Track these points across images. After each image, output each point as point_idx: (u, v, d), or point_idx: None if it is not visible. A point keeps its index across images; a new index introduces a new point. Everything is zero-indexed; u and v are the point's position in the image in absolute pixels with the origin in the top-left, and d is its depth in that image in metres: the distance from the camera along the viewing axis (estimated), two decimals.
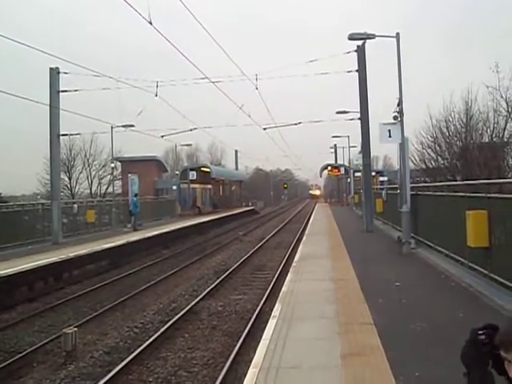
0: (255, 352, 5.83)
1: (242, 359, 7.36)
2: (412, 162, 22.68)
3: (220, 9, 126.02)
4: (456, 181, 19.17)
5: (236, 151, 58.21)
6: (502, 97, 19.83)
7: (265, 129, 27.35)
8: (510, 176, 19.55)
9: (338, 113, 25.37)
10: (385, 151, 69.86)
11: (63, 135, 21.81)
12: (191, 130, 28.74)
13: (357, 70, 20.40)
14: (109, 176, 44.36)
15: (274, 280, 13.07)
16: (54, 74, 20.10)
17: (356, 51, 20.07)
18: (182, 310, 10.38)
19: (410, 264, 11.74)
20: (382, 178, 42.97)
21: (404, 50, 14.66)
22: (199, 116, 39.19)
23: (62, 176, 35.64)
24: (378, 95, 30.07)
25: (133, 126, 26.39)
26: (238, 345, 7.89)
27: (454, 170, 22.01)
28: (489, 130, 21.07)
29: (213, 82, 20.69)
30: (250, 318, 9.50)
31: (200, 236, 27.00)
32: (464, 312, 6.80)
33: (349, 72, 20.61)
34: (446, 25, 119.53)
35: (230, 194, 54.56)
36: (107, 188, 46.54)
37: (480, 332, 1.49)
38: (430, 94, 48.58)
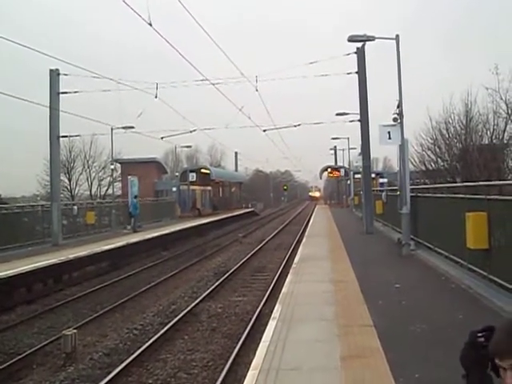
0: (255, 354, 5.83)
1: (241, 361, 7.35)
2: (412, 163, 22.72)
3: (220, 10, 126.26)
4: (456, 182, 19.18)
5: (236, 153, 58.29)
6: (501, 99, 19.89)
7: (265, 130, 27.41)
8: (509, 178, 19.56)
9: (337, 114, 25.42)
10: (385, 153, 69.87)
11: (63, 137, 21.84)
12: (191, 131, 28.83)
13: (356, 72, 20.43)
14: (109, 178, 44.38)
15: (274, 282, 13.06)
16: (54, 75, 20.12)
17: (356, 53, 20.10)
18: (182, 311, 10.37)
19: (409, 266, 11.73)
20: (381, 180, 42.91)
21: (404, 52, 14.69)
22: (199, 118, 39.26)
23: (61, 177, 35.69)
24: (377, 97, 30.16)
25: (133, 127, 26.43)
26: (238, 346, 7.88)
27: (454, 172, 22.03)
28: (488, 132, 21.10)
29: (213, 84, 20.76)
30: (250, 320, 9.49)
31: (200, 238, 26.99)
32: (464, 314, 6.80)
33: (349, 74, 20.66)
34: (446, 26, 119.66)
35: (229, 196, 54.53)
36: (107, 190, 46.54)
37: (479, 334, 1.49)
38: (430, 96, 48.53)
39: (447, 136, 22.67)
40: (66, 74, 20.07)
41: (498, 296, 7.62)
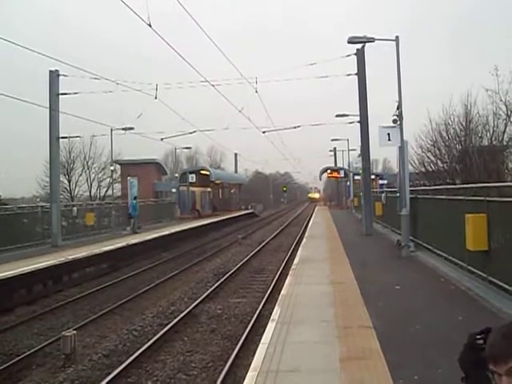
0: (254, 355, 5.83)
1: (240, 362, 7.35)
2: (411, 165, 22.65)
3: (220, 11, 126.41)
4: (455, 184, 19.18)
5: (235, 154, 58.32)
6: (501, 100, 19.84)
7: (264, 132, 27.44)
8: (509, 179, 19.55)
9: (337, 116, 25.46)
10: (384, 154, 69.99)
11: (63, 138, 21.86)
12: (191, 132, 28.87)
13: (356, 74, 20.46)
14: (108, 179, 44.39)
15: (273, 283, 13.06)
16: (54, 76, 20.12)
17: (356, 54, 20.13)
18: (181, 313, 10.36)
19: (409, 267, 11.73)
20: (381, 182, 42.92)
21: (404, 54, 14.72)
22: (199, 119, 39.21)
23: (61, 179, 35.68)
24: (377, 98, 30.17)
25: (132, 128, 26.46)
26: (237, 348, 7.87)
27: (454, 174, 22.00)
28: (488, 134, 21.06)
29: (212, 85, 20.77)
30: (249, 322, 9.48)
31: (199, 239, 26.98)
32: (463, 315, 6.80)
33: (348, 75, 20.68)
34: (447, 28, 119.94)
35: (229, 197, 54.55)
36: (107, 191, 46.53)
37: (478, 336, 1.49)
38: (430, 98, 48.58)
39: (447, 137, 22.63)
40: (65, 75, 20.09)
41: (497, 297, 7.63)
